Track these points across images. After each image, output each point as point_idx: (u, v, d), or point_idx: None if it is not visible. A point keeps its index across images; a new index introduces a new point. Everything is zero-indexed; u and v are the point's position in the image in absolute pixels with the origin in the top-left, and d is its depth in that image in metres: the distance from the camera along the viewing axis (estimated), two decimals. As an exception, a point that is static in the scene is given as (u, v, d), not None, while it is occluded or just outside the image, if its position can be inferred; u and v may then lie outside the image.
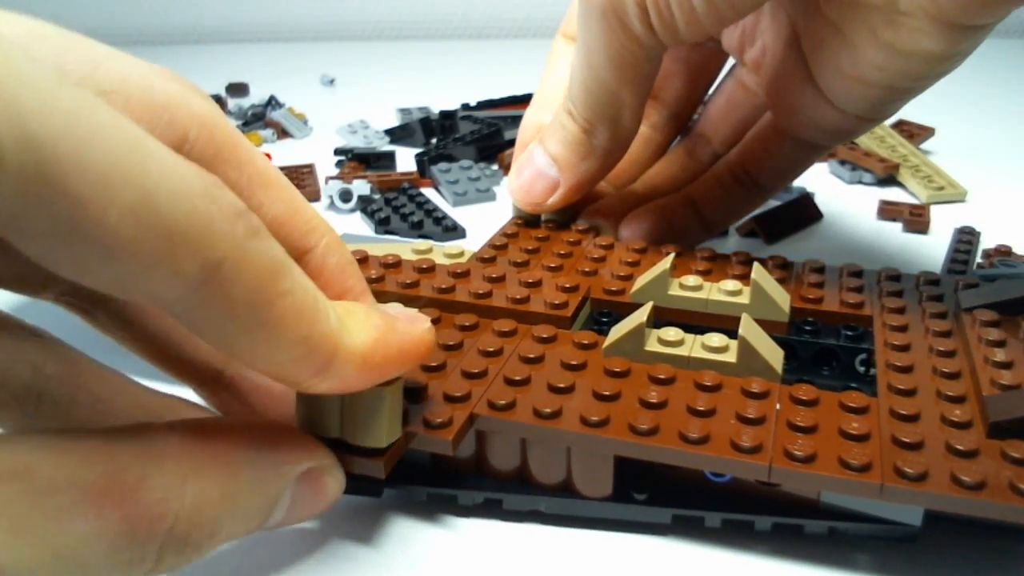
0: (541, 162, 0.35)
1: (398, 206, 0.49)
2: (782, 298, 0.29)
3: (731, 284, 0.30)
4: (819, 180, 0.57)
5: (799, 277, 0.32)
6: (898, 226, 0.49)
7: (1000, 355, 0.26)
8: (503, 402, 0.24)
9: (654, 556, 0.24)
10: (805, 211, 0.49)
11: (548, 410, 0.24)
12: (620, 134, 0.34)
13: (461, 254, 0.34)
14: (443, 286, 0.30)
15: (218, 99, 0.80)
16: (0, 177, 0.12)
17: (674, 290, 0.30)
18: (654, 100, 0.41)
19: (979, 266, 0.41)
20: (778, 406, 0.24)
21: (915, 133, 0.65)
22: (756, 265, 0.30)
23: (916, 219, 0.49)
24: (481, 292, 0.30)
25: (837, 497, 0.24)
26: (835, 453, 0.22)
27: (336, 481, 0.22)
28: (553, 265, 0.33)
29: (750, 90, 0.40)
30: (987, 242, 0.44)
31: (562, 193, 0.35)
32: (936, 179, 0.55)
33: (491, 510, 0.25)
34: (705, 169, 0.40)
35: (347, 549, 0.24)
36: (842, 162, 0.59)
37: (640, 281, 0.30)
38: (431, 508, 0.26)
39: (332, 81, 0.94)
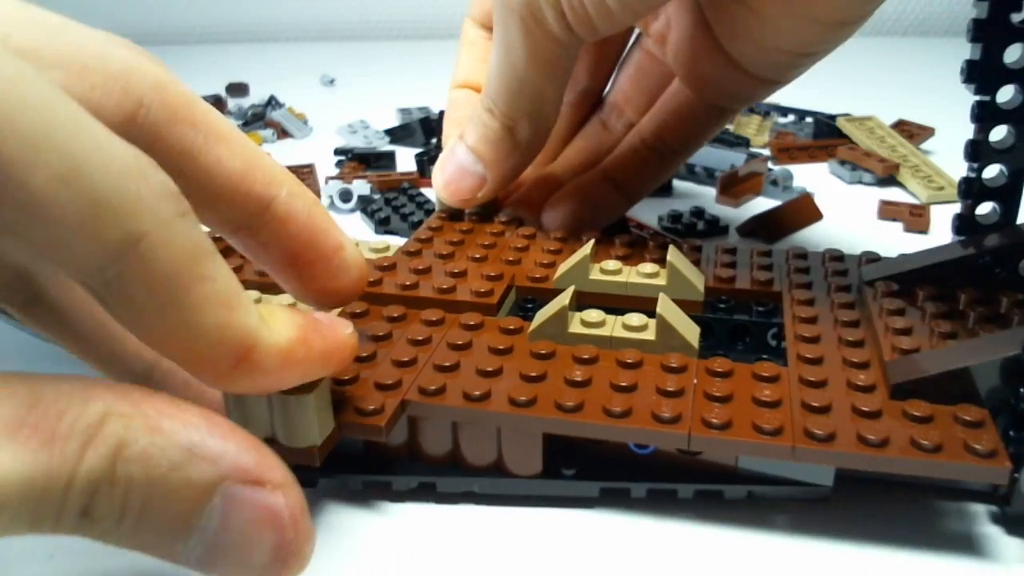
0: (465, 159, 0.36)
1: (398, 206, 0.49)
2: (697, 278, 0.30)
3: (649, 267, 0.31)
4: (819, 180, 0.58)
5: (713, 259, 0.34)
6: (898, 226, 0.50)
7: (899, 323, 0.28)
8: (433, 387, 0.25)
9: (584, 528, 0.25)
10: (805, 211, 0.50)
11: (477, 393, 0.24)
12: (542, 126, 0.35)
13: (387, 248, 0.35)
14: (370, 279, 0.31)
15: (218, 99, 0.79)
16: None
17: (595, 275, 0.31)
18: None
19: None
20: (695, 379, 0.25)
21: (915, 133, 0.66)
22: (672, 248, 0.31)
23: (916, 219, 0.49)
24: (408, 283, 0.30)
25: (754, 462, 0.25)
26: (749, 419, 0.23)
27: (298, 528, 0.19)
28: (478, 256, 0.33)
29: (657, 58, 0.41)
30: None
31: (489, 188, 0.36)
32: (936, 179, 0.55)
33: (425, 494, 0.26)
34: (622, 138, 0.41)
35: (284, 540, 0.24)
36: (842, 162, 0.59)
37: (562, 268, 0.31)
38: (367, 495, 0.26)
39: (332, 81, 0.93)
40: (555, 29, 0.30)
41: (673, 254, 0.30)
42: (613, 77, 0.43)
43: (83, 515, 0.16)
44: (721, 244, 0.35)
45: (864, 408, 0.24)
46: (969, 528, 0.25)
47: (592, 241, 0.32)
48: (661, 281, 0.30)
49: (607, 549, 0.24)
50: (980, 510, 0.25)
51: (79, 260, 0.16)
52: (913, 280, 0.31)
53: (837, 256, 0.34)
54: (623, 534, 0.25)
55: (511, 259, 0.33)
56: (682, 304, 0.29)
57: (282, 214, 0.22)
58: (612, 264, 0.31)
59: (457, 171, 0.36)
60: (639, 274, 0.31)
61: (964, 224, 0.32)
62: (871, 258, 0.33)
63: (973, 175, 0.31)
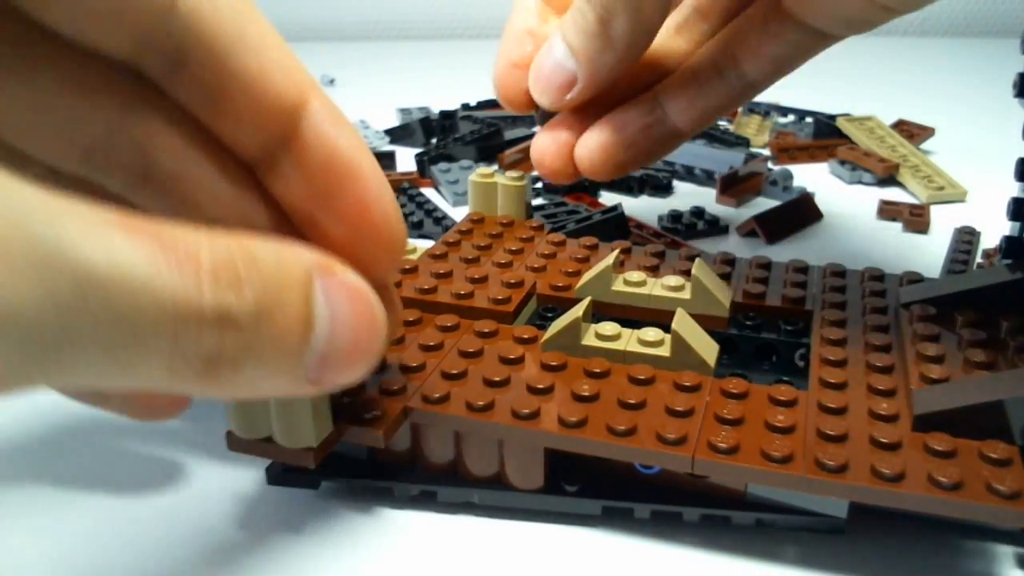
0: (559, 53, 0.31)
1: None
2: (723, 293, 0.29)
3: (674, 280, 0.30)
4: (819, 180, 0.57)
5: (744, 273, 0.33)
6: (898, 226, 0.49)
7: (932, 350, 0.26)
8: (437, 395, 0.24)
9: (584, 547, 0.24)
10: (805, 211, 0.49)
11: (480, 403, 0.24)
12: (642, 23, 0.29)
13: (414, 251, 0.35)
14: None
15: None
16: None
17: (618, 286, 0.30)
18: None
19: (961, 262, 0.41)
20: (707, 399, 0.24)
21: (915, 133, 0.65)
22: (698, 261, 0.30)
23: (916, 219, 0.48)
24: (426, 288, 0.30)
25: (764, 489, 0.24)
26: (758, 445, 0.22)
27: (373, 294, 0.19)
28: (502, 261, 0.33)
29: None
30: (987, 242, 0.44)
31: (581, 88, 0.31)
32: (936, 179, 0.55)
33: (426, 502, 0.26)
34: (692, 54, 0.34)
35: (284, 540, 0.24)
36: (842, 162, 0.58)
37: (585, 277, 0.31)
38: (367, 500, 0.26)
39: (332, 81, 0.94)
40: None
41: (699, 267, 0.29)
42: None
43: (224, 325, 0.16)
44: (756, 259, 0.34)
45: (882, 439, 0.23)
46: (991, 570, 0.23)
47: (617, 251, 0.32)
48: (685, 295, 0.30)
49: (606, 570, 0.23)
50: (1005, 551, 0.24)
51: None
52: (953, 304, 0.29)
53: (877, 275, 0.32)
54: (624, 555, 0.24)
55: (536, 266, 0.33)
56: (706, 320, 0.28)
57: (312, 133, 0.20)
58: (636, 275, 0.30)
59: (549, 65, 0.31)
60: (663, 287, 0.30)
61: (1013, 247, 0.30)
62: (912, 278, 0.32)
63: (1023, 195, 0.29)
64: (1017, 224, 0.30)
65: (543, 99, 0.31)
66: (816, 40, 0.30)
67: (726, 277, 0.32)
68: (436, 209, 0.49)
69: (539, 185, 0.52)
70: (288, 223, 0.21)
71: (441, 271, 0.31)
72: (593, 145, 0.31)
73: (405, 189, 0.52)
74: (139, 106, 0.20)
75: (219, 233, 0.17)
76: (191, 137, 0.20)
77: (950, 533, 0.24)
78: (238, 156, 0.21)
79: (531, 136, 0.64)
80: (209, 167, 0.21)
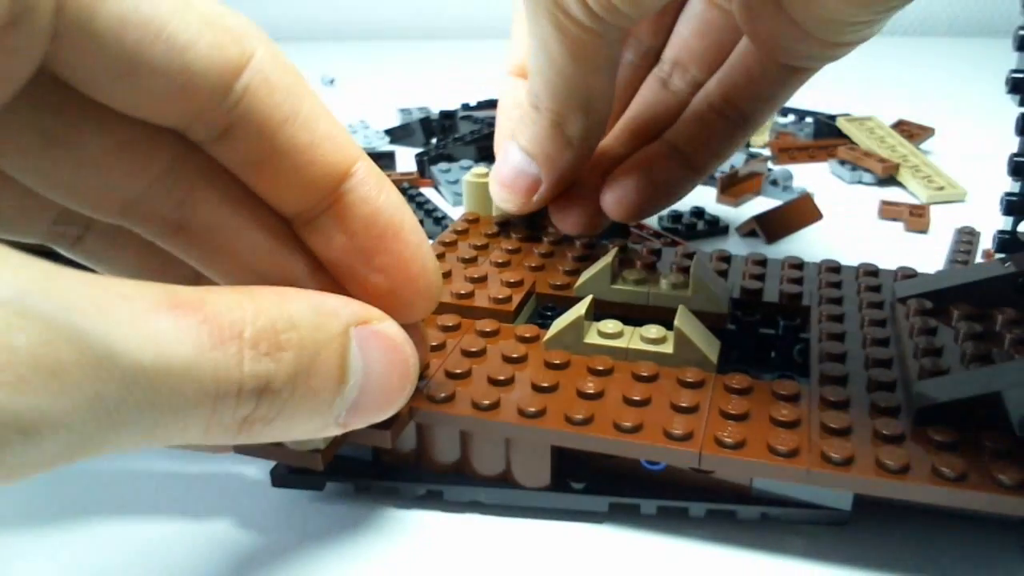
0: (518, 160, 0.33)
1: None
2: (723, 290, 0.30)
3: (673, 278, 0.30)
4: (819, 180, 0.58)
5: (742, 270, 0.33)
6: (898, 226, 0.49)
7: (930, 343, 0.27)
8: (443, 395, 0.24)
9: (592, 544, 0.24)
10: (805, 211, 0.50)
11: (486, 402, 0.24)
12: (594, 119, 0.31)
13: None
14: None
15: None
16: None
17: (617, 284, 0.30)
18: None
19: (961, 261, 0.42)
20: (711, 395, 0.25)
21: (915, 133, 0.65)
22: (696, 259, 0.30)
23: (916, 219, 0.49)
24: (426, 288, 0.30)
25: (769, 483, 0.24)
26: (764, 440, 0.23)
27: (407, 342, 0.20)
28: (500, 261, 0.33)
29: (724, 8, 0.35)
30: (987, 242, 0.44)
31: (545, 190, 0.33)
32: (936, 179, 0.55)
33: (432, 502, 0.26)
34: (686, 101, 0.36)
35: (290, 542, 0.24)
36: (842, 162, 0.59)
37: (584, 276, 0.31)
38: (373, 501, 0.26)
39: (332, 81, 0.93)
40: (583, 19, 0.27)
41: (697, 265, 0.30)
42: (675, 30, 0.37)
43: (261, 392, 0.17)
44: (752, 256, 0.34)
45: (885, 432, 0.23)
46: (995, 560, 0.24)
47: (616, 249, 0.32)
48: (685, 292, 0.30)
49: (614, 566, 0.24)
50: (1008, 541, 0.24)
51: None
52: (949, 298, 0.29)
53: (872, 271, 0.33)
54: (631, 551, 0.24)
55: (534, 265, 0.33)
56: (706, 316, 0.28)
57: (356, 194, 0.21)
58: (635, 274, 0.31)
59: (511, 173, 0.33)
60: (662, 284, 0.30)
61: (1007, 242, 0.30)
62: (907, 274, 0.32)
63: (1016, 191, 0.30)
64: (1010, 219, 0.30)
65: (509, 205, 0.34)
66: (795, 74, 0.33)
67: (723, 274, 0.32)
68: (436, 209, 0.49)
69: None
70: (324, 271, 0.22)
71: (442, 271, 0.31)
72: (625, 196, 0.34)
73: (405, 189, 0.52)
74: (181, 164, 0.20)
75: (261, 296, 0.18)
76: (231, 192, 0.21)
77: (953, 523, 0.25)
78: (278, 213, 0.21)
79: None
80: (247, 220, 0.21)
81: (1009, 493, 0.21)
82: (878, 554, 0.24)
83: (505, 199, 0.34)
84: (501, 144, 0.35)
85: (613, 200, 0.34)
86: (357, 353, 0.19)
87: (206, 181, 0.21)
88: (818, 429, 0.23)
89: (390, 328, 0.20)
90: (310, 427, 0.19)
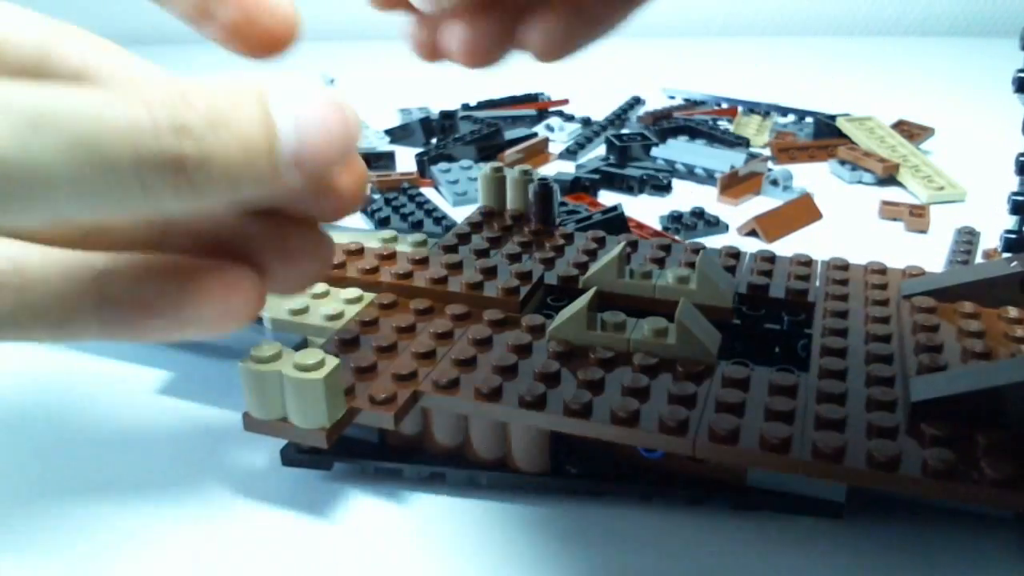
0: None
1: (398, 206, 0.50)
2: (728, 285, 0.30)
3: (679, 272, 0.31)
4: (819, 180, 0.58)
5: (750, 266, 0.33)
6: (898, 226, 0.49)
7: (930, 339, 0.27)
8: (447, 380, 0.25)
9: (588, 527, 0.25)
10: (805, 211, 0.50)
11: (489, 389, 0.25)
12: None
13: (424, 243, 0.35)
14: (401, 271, 0.31)
15: None
16: None
17: (624, 277, 0.31)
18: None
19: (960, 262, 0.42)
20: (710, 387, 0.25)
21: (915, 133, 0.65)
22: (703, 254, 0.31)
23: (916, 219, 0.49)
24: (437, 278, 0.31)
25: (764, 474, 0.25)
26: (758, 431, 0.23)
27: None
28: (512, 253, 0.34)
29: None
30: (987, 242, 0.44)
31: None
32: (936, 179, 0.55)
33: (436, 483, 0.26)
34: None
35: (299, 519, 0.25)
36: (842, 162, 0.59)
37: (592, 268, 0.31)
38: (379, 482, 0.27)
39: (332, 81, 0.94)
40: None
41: (703, 260, 0.30)
42: None
43: (178, 131, 0.17)
44: (760, 252, 0.34)
45: (880, 425, 0.23)
46: (986, 554, 0.24)
47: (624, 243, 0.32)
48: (691, 286, 0.30)
49: (610, 550, 0.24)
50: (999, 535, 0.24)
51: None
52: (954, 296, 0.30)
53: (879, 269, 0.33)
54: (627, 536, 0.25)
55: (544, 258, 0.34)
56: (711, 310, 0.29)
57: None
58: (642, 267, 0.31)
59: None
60: (669, 278, 0.31)
61: (1013, 242, 0.30)
62: (913, 272, 0.32)
63: (1022, 192, 0.30)
64: (1017, 219, 0.30)
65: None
66: None
67: (731, 270, 0.33)
68: (436, 209, 0.49)
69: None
70: None
71: (452, 262, 0.32)
72: (543, 35, 0.24)
73: (405, 189, 0.53)
74: None
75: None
76: None
77: (946, 516, 0.25)
78: None
79: (532, 135, 0.65)
80: None
81: (997, 488, 0.21)
82: (871, 547, 0.24)
83: None
84: None
85: (534, 40, 0.24)
86: (283, 102, 0.18)
87: None
88: (813, 421, 0.24)
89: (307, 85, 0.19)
90: (255, 169, 0.18)
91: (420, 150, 0.62)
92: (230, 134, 0.18)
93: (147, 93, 0.17)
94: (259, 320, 0.30)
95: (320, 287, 0.31)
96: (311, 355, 0.23)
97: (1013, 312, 0.28)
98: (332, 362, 0.23)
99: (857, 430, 0.23)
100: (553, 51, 0.24)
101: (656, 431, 0.23)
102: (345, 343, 0.27)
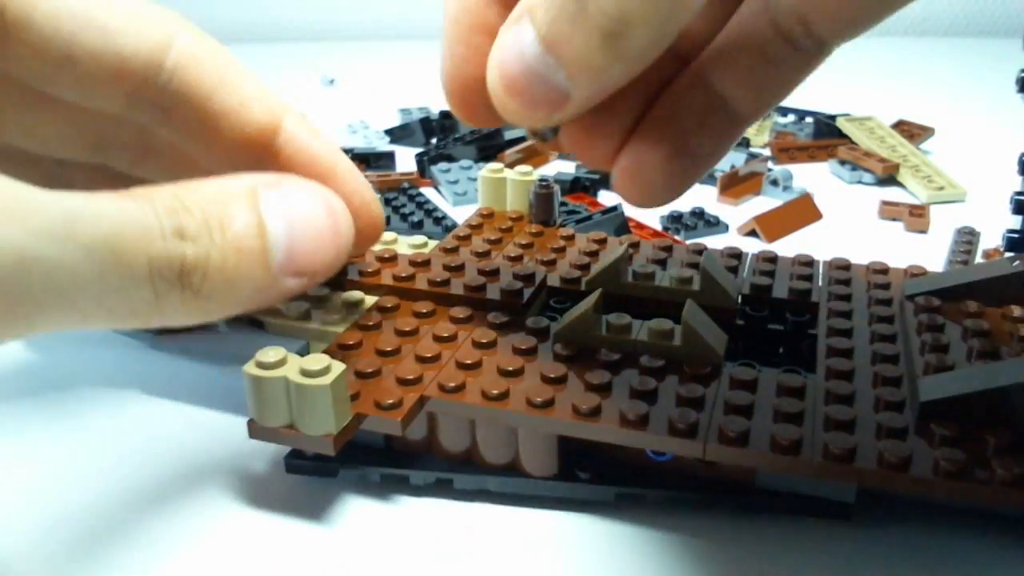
0: (535, 58, 0.20)
1: (398, 206, 0.50)
2: (732, 286, 0.30)
3: (682, 273, 0.31)
4: (819, 180, 0.58)
5: (752, 267, 0.33)
6: (898, 226, 0.50)
7: (936, 339, 0.27)
8: (453, 384, 0.25)
9: (598, 532, 0.25)
10: (805, 211, 0.50)
11: (496, 392, 0.24)
12: (671, 30, 0.19)
13: (424, 245, 0.35)
14: (402, 274, 0.31)
15: None
16: None
17: (627, 278, 0.31)
18: None
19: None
20: (718, 388, 0.25)
21: (915, 133, 0.66)
22: (706, 254, 0.31)
23: (916, 219, 0.49)
24: (439, 280, 0.31)
25: (773, 475, 0.25)
26: (768, 433, 0.23)
27: (327, 190, 0.22)
28: (513, 255, 0.34)
29: None
30: (987, 242, 0.45)
31: (575, 107, 0.20)
32: (936, 179, 0.55)
33: (442, 490, 0.26)
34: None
35: (304, 528, 0.25)
36: (842, 162, 0.59)
37: (595, 269, 0.31)
38: (385, 488, 0.26)
39: (332, 81, 0.94)
40: None
41: (707, 260, 0.30)
42: None
43: (179, 233, 0.18)
44: (762, 253, 0.34)
45: (889, 426, 0.23)
46: (996, 552, 0.24)
47: (627, 244, 0.32)
48: (694, 287, 0.30)
49: (620, 554, 0.24)
50: (1010, 536, 0.24)
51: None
52: (957, 296, 0.30)
53: (881, 269, 0.33)
54: (637, 540, 0.24)
55: (547, 259, 0.33)
56: (715, 311, 0.29)
57: (292, 145, 0.24)
58: (645, 268, 0.31)
59: (525, 75, 0.20)
60: (672, 279, 0.30)
61: (1016, 242, 0.30)
62: (916, 272, 0.32)
63: (1026, 190, 0.30)
64: (1019, 218, 0.30)
65: (519, 119, 0.21)
66: None
67: (733, 271, 0.33)
68: (436, 209, 0.49)
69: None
70: None
71: (453, 264, 0.32)
72: (652, 170, 0.22)
73: (405, 189, 0.52)
74: (137, 100, 0.23)
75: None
76: (188, 118, 0.24)
77: (954, 517, 0.25)
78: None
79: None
80: (205, 144, 0.24)
81: (1008, 487, 0.21)
82: (880, 548, 0.24)
83: (511, 109, 0.21)
84: (453, 80, 0.23)
85: (643, 180, 0.22)
86: (273, 203, 0.20)
87: (162, 112, 0.23)
88: (822, 423, 0.23)
89: (305, 181, 0.22)
90: (254, 281, 0.20)
91: (420, 150, 0.61)
92: (224, 237, 0.19)
93: (152, 198, 0.18)
94: (260, 324, 0.30)
95: (321, 290, 0.30)
96: (317, 360, 0.23)
97: (1017, 311, 0.28)
98: (338, 367, 0.23)
99: (867, 431, 0.23)
100: (652, 198, 0.22)
101: (666, 434, 0.23)
102: (348, 347, 0.27)
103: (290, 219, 0.21)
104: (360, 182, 0.24)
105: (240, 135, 0.23)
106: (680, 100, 0.22)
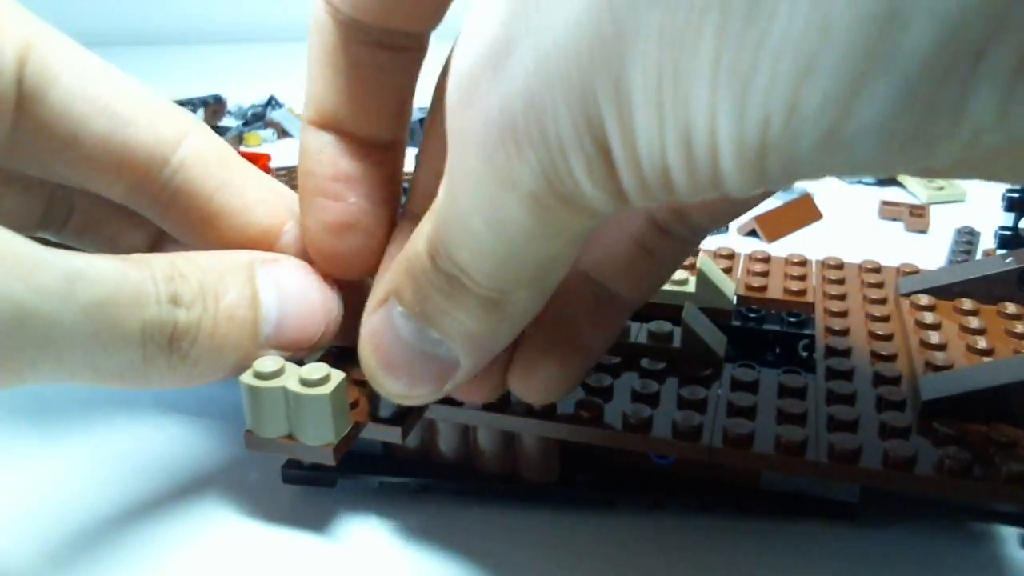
0: (419, 340, 0.19)
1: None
2: (727, 287, 0.30)
3: (678, 274, 0.30)
4: (819, 180, 0.58)
5: (745, 267, 0.33)
6: (898, 226, 0.50)
7: (934, 338, 0.27)
8: (452, 391, 0.25)
9: (599, 536, 0.25)
10: (805, 211, 0.50)
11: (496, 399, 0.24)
12: (549, 287, 0.19)
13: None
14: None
15: (218, 99, 0.80)
16: None
17: (623, 281, 0.31)
18: None
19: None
20: (719, 390, 0.25)
21: None
22: (701, 255, 0.30)
23: (916, 219, 0.49)
24: (433, 285, 0.30)
25: (777, 476, 0.25)
26: (772, 434, 0.23)
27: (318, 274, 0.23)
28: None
29: None
30: (987, 242, 0.45)
31: (464, 375, 0.20)
32: (936, 179, 0.55)
33: (441, 496, 0.26)
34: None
35: (303, 538, 0.25)
36: None
37: (590, 272, 0.31)
38: (384, 496, 0.26)
39: None
40: (595, 197, 0.14)
41: (703, 262, 0.30)
42: None
43: (174, 300, 0.19)
44: (755, 253, 0.34)
45: (892, 425, 0.23)
46: (999, 552, 0.24)
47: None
48: (689, 288, 0.30)
49: (623, 557, 0.24)
50: (1010, 532, 0.24)
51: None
52: (952, 294, 0.30)
53: (874, 268, 0.33)
54: (639, 544, 0.24)
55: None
56: (711, 312, 0.29)
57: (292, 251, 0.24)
58: (640, 270, 0.31)
59: (405, 352, 0.19)
60: (668, 281, 0.30)
61: (1008, 239, 0.31)
62: (909, 270, 0.32)
63: (1018, 188, 0.30)
64: (1011, 215, 0.30)
65: (404, 398, 0.21)
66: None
67: (727, 271, 0.32)
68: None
69: None
70: None
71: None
72: (548, 374, 0.21)
73: (405, 189, 0.52)
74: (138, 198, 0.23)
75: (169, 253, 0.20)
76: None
77: (956, 516, 0.25)
78: None
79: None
80: (204, 241, 0.24)
81: (1011, 484, 0.21)
82: (885, 547, 0.24)
83: (395, 390, 0.20)
84: (315, 231, 0.22)
85: (538, 383, 0.22)
86: (269, 278, 0.21)
87: (162, 207, 0.23)
88: (825, 423, 0.23)
89: (298, 261, 0.22)
90: (239, 346, 0.21)
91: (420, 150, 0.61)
92: (217, 307, 0.20)
93: (151, 265, 0.19)
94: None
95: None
96: (316, 370, 0.23)
97: (1011, 308, 0.29)
98: (338, 376, 0.23)
99: (870, 430, 0.23)
100: (549, 395, 0.22)
101: (670, 437, 0.23)
102: (344, 355, 0.26)
103: (283, 294, 0.21)
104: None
105: (239, 236, 0.23)
106: (566, 301, 0.21)
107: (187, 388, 0.21)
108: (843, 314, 0.29)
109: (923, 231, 0.49)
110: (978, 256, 0.43)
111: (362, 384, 0.25)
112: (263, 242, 0.23)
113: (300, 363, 0.24)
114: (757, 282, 0.31)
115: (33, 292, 0.16)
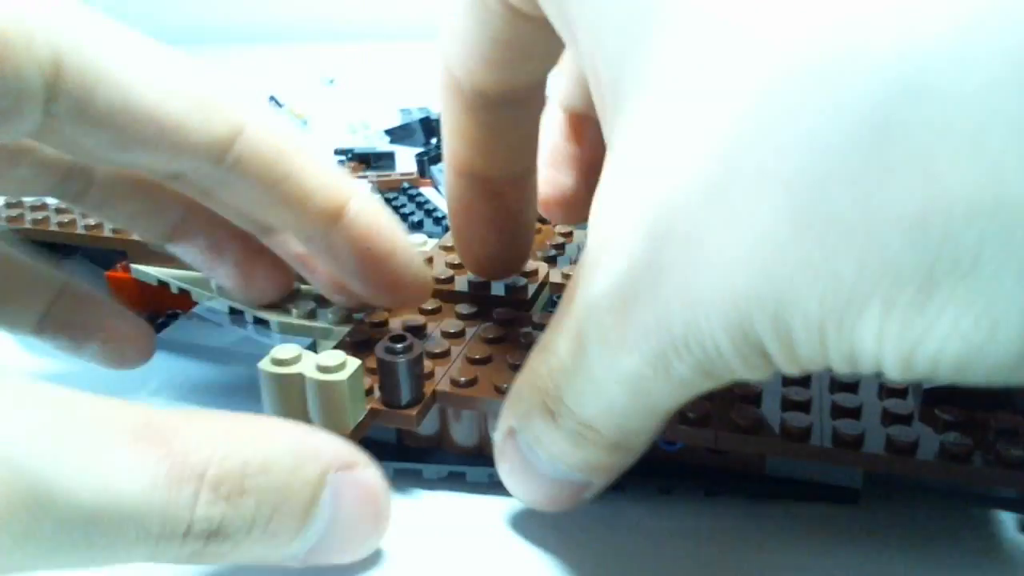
0: (553, 471, 0.21)
1: (398, 206, 0.50)
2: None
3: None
4: None
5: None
6: None
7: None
8: (465, 379, 0.25)
9: (609, 521, 0.25)
10: None
11: (508, 385, 0.25)
12: (663, 411, 0.19)
13: (424, 244, 0.35)
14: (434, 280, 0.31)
15: None
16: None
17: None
18: None
19: None
20: (726, 378, 0.25)
21: None
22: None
23: None
24: (443, 277, 0.31)
25: (783, 462, 0.25)
26: (778, 421, 0.23)
27: (385, 491, 0.21)
28: (514, 252, 0.34)
29: None
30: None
31: (598, 490, 0.22)
32: None
33: (455, 483, 0.26)
34: None
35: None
36: None
37: (597, 265, 0.32)
38: (398, 483, 0.27)
39: (332, 81, 0.94)
40: (746, 377, 0.16)
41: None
42: None
43: (210, 535, 0.17)
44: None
45: (894, 412, 0.24)
46: (997, 535, 0.25)
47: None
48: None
49: (631, 542, 0.24)
50: (1009, 517, 0.25)
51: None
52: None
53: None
54: (647, 528, 0.25)
55: (547, 256, 0.34)
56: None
57: (351, 231, 0.25)
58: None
59: (548, 491, 0.21)
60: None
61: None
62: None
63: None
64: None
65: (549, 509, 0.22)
66: None
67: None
68: (436, 209, 0.49)
69: None
70: None
71: (456, 261, 0.32)
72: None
73: (405, 189, 0.52)
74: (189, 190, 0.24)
75: (240, 430, 0.18)
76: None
77: (957, 501, 0.26)
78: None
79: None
80: (257, 230, 0.27)
81: (1011, 469, 0.22)
82: (887, 530, 0.25)
83: (537, 508, 0.23)
84: (470, 262, 0.30)
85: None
86: (329, 499, 0.19)
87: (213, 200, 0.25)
88: (829, 410, 0.24)
89: (370, 476, 0.21)
90: (268, 558, 0.19)
91: (420, 150, 0.61)
92: (262, 536, 0.18)
93: (212, 467, 0.17)
94: (266, 324, 0.30)
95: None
96: (333, 357, 0.23)
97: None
98: (354, 363, 0.23)
99: (873, 417, 0.24)
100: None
101: (677, 423, 0.24)
102: (357, 345, 0.27)
103: (338, 514, 0.20)
104: (412, 263, 0.26)
105: (296, 224, 0.24)
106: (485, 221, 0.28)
107: (191, 379, 0.21)
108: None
109: None
110: None
111: (375, 372, 0.25)
112: (324, 222, 0.24)
113: (315, 351, 0.25)
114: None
115: (14, 538, 0.14)
